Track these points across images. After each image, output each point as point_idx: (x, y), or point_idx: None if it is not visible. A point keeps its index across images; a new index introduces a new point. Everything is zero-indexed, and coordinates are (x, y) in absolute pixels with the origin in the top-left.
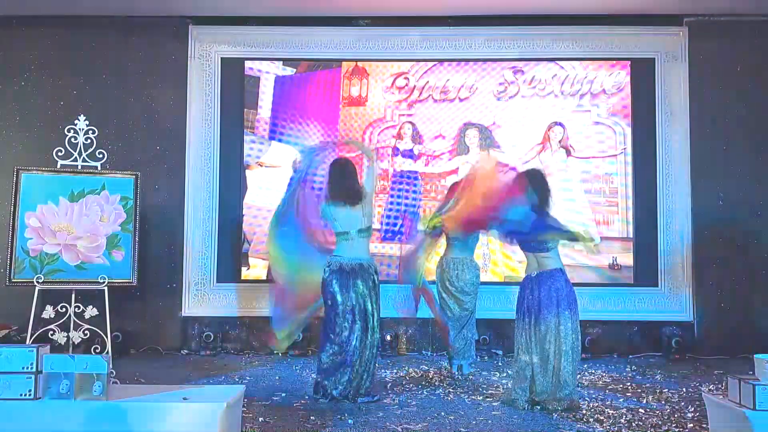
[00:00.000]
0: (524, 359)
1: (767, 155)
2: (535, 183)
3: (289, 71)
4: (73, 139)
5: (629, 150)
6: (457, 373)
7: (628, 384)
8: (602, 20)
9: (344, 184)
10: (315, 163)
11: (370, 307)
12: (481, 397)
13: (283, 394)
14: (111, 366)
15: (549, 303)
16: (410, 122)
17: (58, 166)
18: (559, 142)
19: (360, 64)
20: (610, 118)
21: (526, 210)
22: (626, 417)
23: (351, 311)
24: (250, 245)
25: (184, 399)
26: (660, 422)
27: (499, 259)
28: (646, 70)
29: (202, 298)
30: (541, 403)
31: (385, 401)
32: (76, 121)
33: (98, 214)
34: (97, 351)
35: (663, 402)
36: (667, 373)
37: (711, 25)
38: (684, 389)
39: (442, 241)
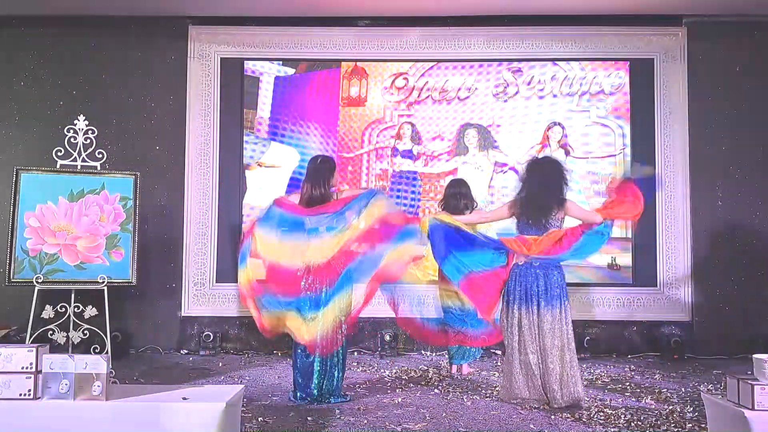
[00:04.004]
0: (532, 358)
1: (766, 155)
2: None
3: (289, 71)
4: (72, 139)
5: (628, 150)
6: (456, 373)
7: (627, 384)
8: (601, 20)
9: (309, 189)
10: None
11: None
12: (480, 397)
13: (283, 394)
14: (110, 366)
15: (556, 293)
16: (409, 122)
17: (58, 166)
18: (558, 142)
19: (359, 64)
20: (609, 118)
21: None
22: (625, 417)
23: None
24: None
25: (184, 399)
26: (659, 422)
27: None
28: (645, 70)
29: (202, 298)
30: (549, 401)
31: (384, 401)
32: (75, 121)
33: (98, 214)
34: (97, 351)
35: (662, 402)
36: (666, 373)
37: (710, 25)
38: (683, 389)
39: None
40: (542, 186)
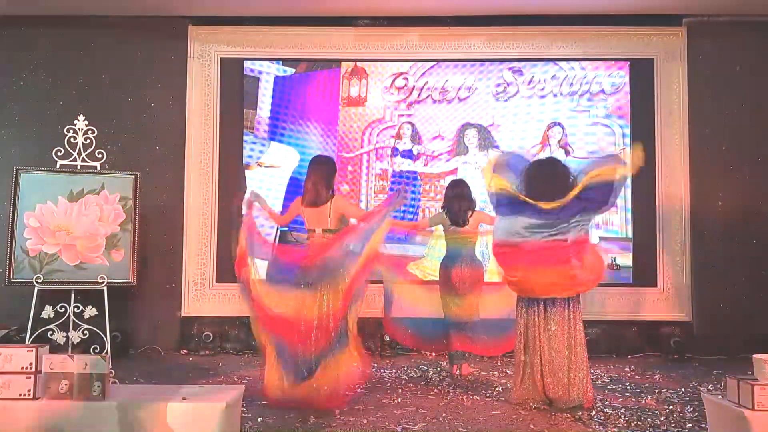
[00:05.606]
0: (535, 358)
1: (766, 155)
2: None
3: (289, 71)
4: (72, 139)
5: (628, 150)
6: (456, 373)
7: (627, 384)
8: (601, 20)
9: (313, 187)
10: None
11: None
12: (480, 397)
13: None
14: (110, 366)
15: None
16: (409, 122)
17: (58, 166)
18: (558, 142)
19: (359, 64)
20: (609, 119)
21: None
22: (625, 417)
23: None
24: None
25: (184, 399)
26: (659, 422)
27: None
28: (645, 70)
29: (202, 298)
30: (552, 402)
31: (384, 401)
32: (75, 121)
33: (97, 214)
34: (97, 351)
35: (662, 402)
36: (666, 373)
37: (710, 25)
38: (683, 389)
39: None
40: (549, 186)
